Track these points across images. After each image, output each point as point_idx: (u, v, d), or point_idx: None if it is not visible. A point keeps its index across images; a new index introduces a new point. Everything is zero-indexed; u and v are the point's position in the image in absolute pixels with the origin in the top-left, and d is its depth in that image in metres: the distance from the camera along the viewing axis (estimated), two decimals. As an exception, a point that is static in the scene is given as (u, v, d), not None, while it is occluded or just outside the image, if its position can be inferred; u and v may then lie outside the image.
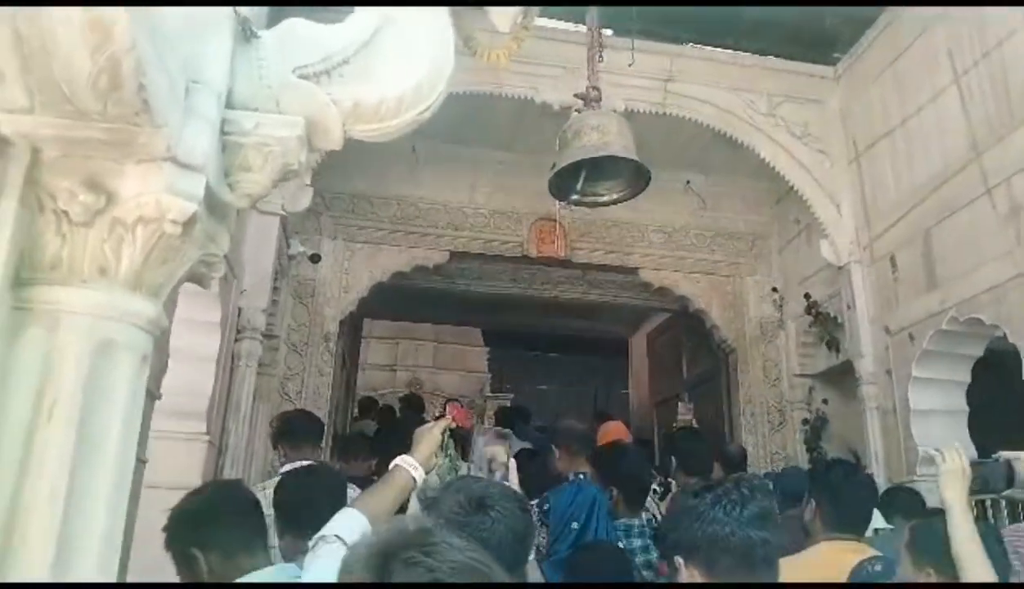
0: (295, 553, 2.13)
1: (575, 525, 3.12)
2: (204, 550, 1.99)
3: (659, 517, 3.63)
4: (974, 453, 3.98)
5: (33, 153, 1.18)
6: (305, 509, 2.16)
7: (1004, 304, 4.06)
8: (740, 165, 6.01)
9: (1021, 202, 3.97)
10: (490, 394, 12.74)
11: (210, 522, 2.06)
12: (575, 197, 3.92)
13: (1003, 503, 4.43)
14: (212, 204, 1.32)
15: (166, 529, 2.09)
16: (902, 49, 5.01)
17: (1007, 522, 4.30)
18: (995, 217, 4.14)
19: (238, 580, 1.95)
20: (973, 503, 3.55)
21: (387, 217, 6.30)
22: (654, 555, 3.26)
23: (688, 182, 6.59)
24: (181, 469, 3.79)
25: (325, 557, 1.62)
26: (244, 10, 1.39)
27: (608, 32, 4.62)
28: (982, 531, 2.15)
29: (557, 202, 4.18)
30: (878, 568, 2.26)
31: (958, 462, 2.27)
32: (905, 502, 3.44)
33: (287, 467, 3.60)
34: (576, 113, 3.86)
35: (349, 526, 1.69)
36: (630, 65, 4.57)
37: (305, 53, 1.43)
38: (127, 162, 1.20)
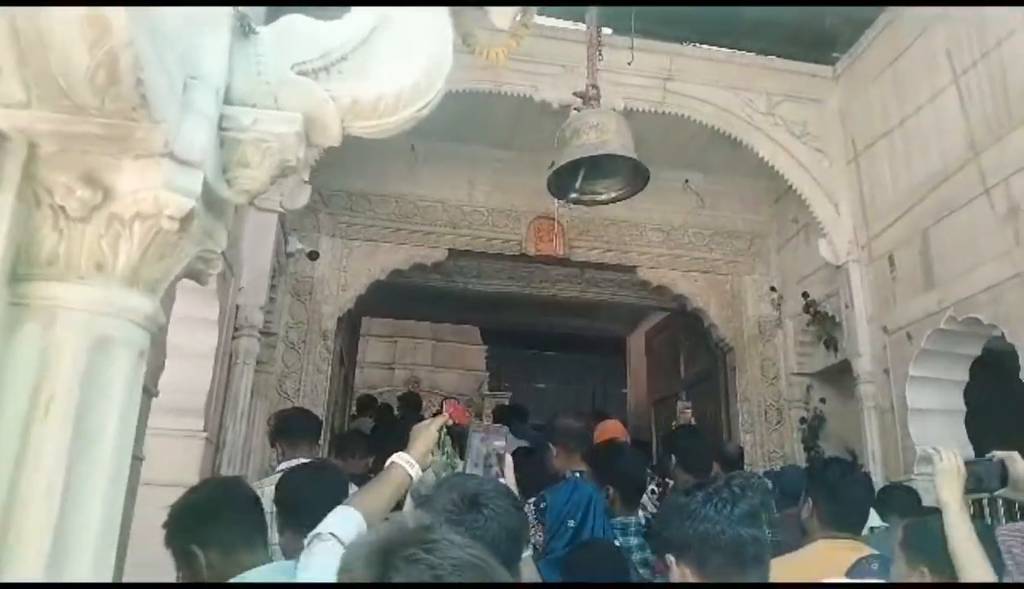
0: (295, 550, 2.13)
1: (571, 523, 3.11)
2: (203, 547, 1.99)
3: (659, 516, 3.63)
4: (971, 452, 3.99)
5: (30, 148, 1.17)
6: (306, 506, 2.16)
7: (1002, 304, 4.06)
8: (739, 164, 6.01)
9: (1019, 202, 3.98)
10: (488, 392, 12.75)
11: (210, 519, 2.06)
12: (574, 196, 3.92)
13: (1000, 502, 4.44)
14: (210, 200, 1.31)
15: (166, 526, 2.09)
16: (901, 49, 5.01)
17: (1004, 521, 4.31)
18: (993, 217, 4.14)
19: (237, 577, 1.95)
20: (970, 503, 3.57)
21: (385, 215, 6.29)
22: (651, 553, 3.26)
23: (687, 181, 6.59)
24: (178, 466, 3.79)
25: (320, 555, 1.62)
26: (243, 8, 1.39)
27: (607, 31, 4.62)
28: (976, 531, 2.15)
29: (556, 200, 4.18)
30: (875, 567, 2.26)
31: (954, 461, 2.27)
32: (900, 501, 3.45)
33: (284, 465, 3.60)
34: (575, 111, 3.86)
35: (344, 524, 1.69)
36: (629, 64, 4.58)
37: (304, 49, 1.43)
38: (124, 157, 1.20)
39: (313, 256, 5.89)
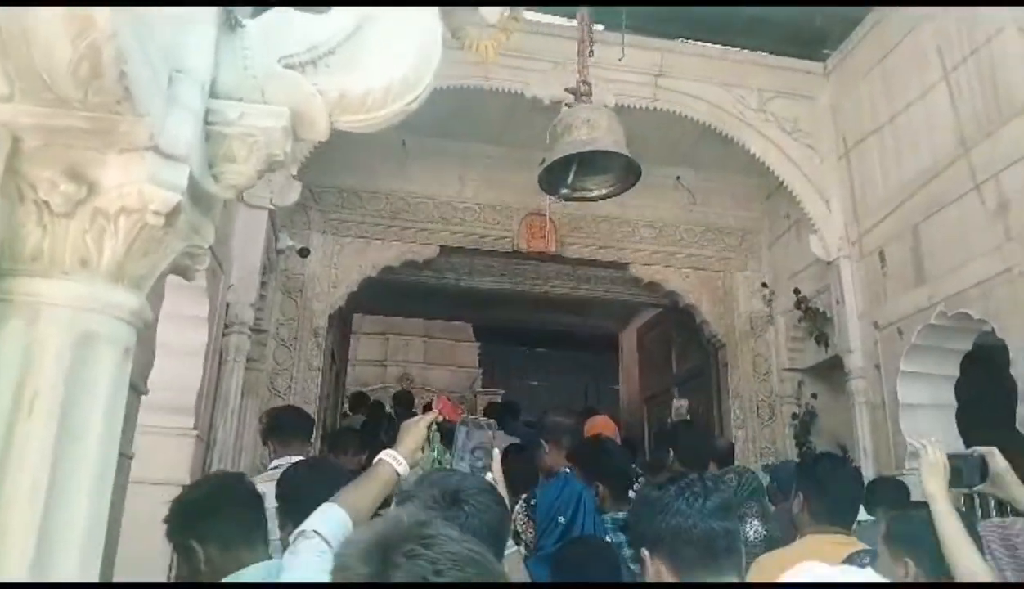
0: (296, 546, 2.14)
1: (562, 520, 3.11)
2: (202, 542, 2.00)
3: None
4: (961, 447, 4.00)
5: (13, 142, 1.16)
6: (307, 501, 2.16)
7: (992, 299, 4.08)
8: (730, 161, 6.01)
9: (1009, 197, 3.99)
10: (481, 390, 12.74)
11: (209, 514, 2.06)
12: (565, 192, 3.92)
13: (991, 499, 4.45)
14: (196, 195, 1.30)
15: (167, 520, 2.11)
16: (891, 46, 5.02)
17: (993, 515, 4.32)
18: (983, 212, 4.16)
19: (232, 575, 1.95)
20: (961, 498, 3.58)
21: (376, 211, 6.27)
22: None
23: (678, 177, 6.59)
24: (169, 465, 3.77)
25: (304, 553, 1.61)
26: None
27: (599, 27, 4.62)
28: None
29: (547, 197, 4.18)
30: (867, 561, 2.26)
31: (939, 455, 2.29)
32: (888, 494, 3.46)
33: (276, 463, 3.60)
34: (566, 107, 3.86)
35: (328, 521, 1.68)
36: (621, 60, 4.57)
37: (291, 43, 1.42)
38: (109, 152, 1.18)
39: (304, 253, 5.87)
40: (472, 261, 6.92)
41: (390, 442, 2.03)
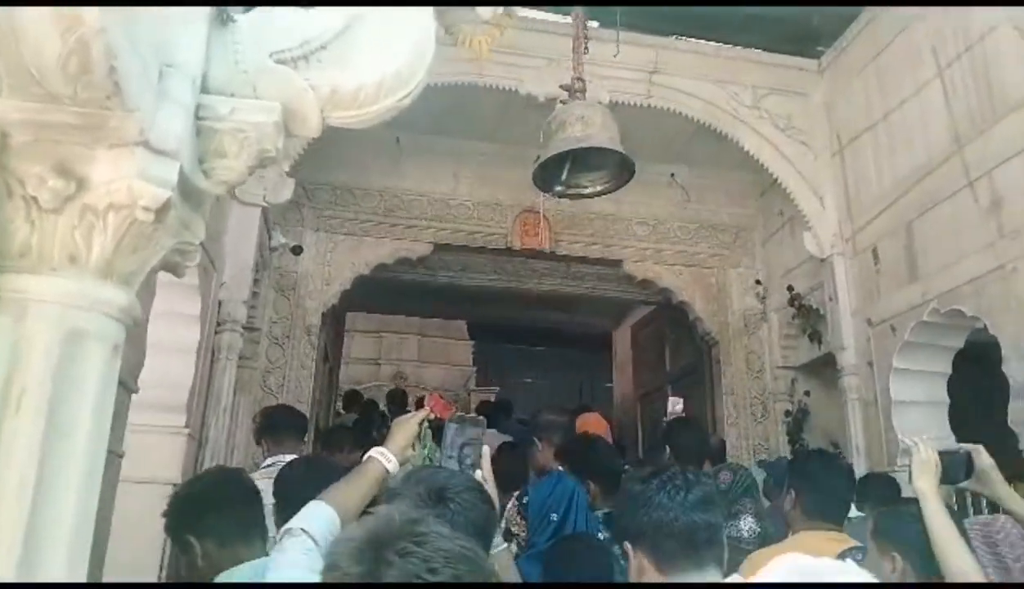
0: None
1: (554, 517, 3.10)
2: (200, 538, 2.00)
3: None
4: (953, 444, 4.01)
5: (2, 138, 1.14)
6: (305, 499, 2.17)
7: (985, 296, 4.09)
8: (724, 158, 6.01)
9: (1002, 194, 4.00)
10: (475, 388, 12.73)
11: (207, 509, 2.06)
12: (559, 189, 3.91)
13: (983, 498, 4.46)
14: (186, 191, 1.29)
15: (165, 515, 2.11)
16: (884, 44, 5.03)
17: (986, 513, 4.33)
18: (977, 210, 4.17)
19: (227, 571, 1.94)
20: (953, 497, 3.58)
21: (370, 209, 6.25)
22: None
23: (672, 174, 6.59)
24: (161, 463, 3.77)
25: (291, 551, 1.60)
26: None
27: (593, 24, 4.61)
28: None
29: (541, 194, 4.17)
30: (860, 558, 2.27)
31: (931, 452, 2.30)
32: (877, 490, 3.45)
33: (270, 461, 3.60)
34: (561, 104, 3.85)
35: (315, 519, 1.67)
36: (615, 57, 4.56)
37: (283, 38, 1.40)
38: (98, 147, 1.17)
39: (297, 250, 5.85)
40: (466, 258, 6.90)
41: (383, 441, 2.03)
